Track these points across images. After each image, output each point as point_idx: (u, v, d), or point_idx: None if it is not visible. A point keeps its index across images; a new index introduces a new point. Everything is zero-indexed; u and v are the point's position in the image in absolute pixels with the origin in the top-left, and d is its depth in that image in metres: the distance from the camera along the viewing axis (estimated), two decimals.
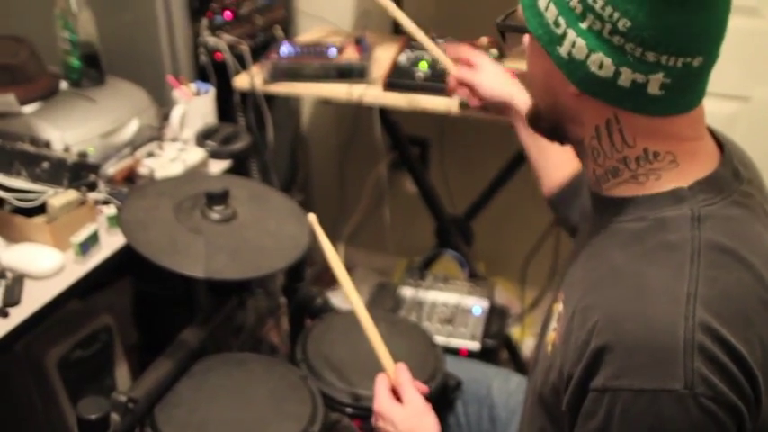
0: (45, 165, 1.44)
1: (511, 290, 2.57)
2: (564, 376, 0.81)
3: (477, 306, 2.08)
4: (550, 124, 0.92)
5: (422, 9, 2.18)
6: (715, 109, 2.14)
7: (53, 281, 1.34)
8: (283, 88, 1.90)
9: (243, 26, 2.08)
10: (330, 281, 2.61)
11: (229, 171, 1.75)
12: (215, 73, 1.95)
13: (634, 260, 0.79)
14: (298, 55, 1.91)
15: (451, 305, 2.09)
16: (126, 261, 1.42)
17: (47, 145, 1.50)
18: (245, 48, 1.97)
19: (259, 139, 2.02)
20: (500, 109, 1.42)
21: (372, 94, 1.83)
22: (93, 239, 1.40)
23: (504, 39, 0.99)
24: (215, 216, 1.33)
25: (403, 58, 1.88)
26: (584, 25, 0.77)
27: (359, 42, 1.94)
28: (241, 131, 1.80)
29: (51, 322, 1.41)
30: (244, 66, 1.96)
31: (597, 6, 0.76)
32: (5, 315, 1.25)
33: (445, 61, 1.54)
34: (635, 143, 0.82)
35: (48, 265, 1.34)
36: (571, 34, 0.78)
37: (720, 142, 0.89)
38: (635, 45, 0.75)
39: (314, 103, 2.61)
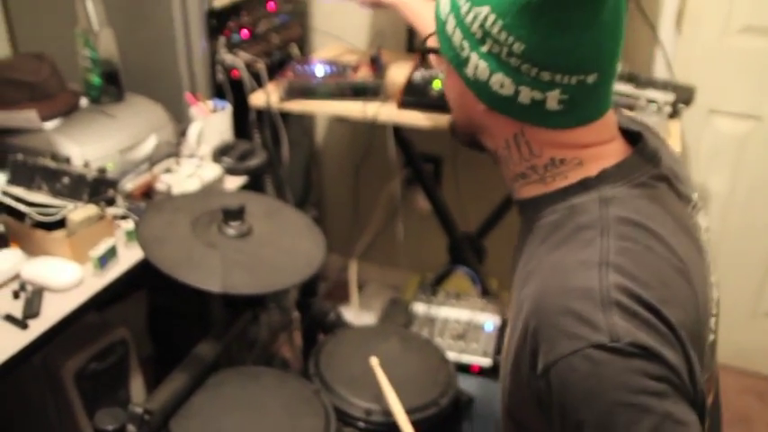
0: (65, 180, 1.47)
1: None
2: (520, 382, 0.84)
3: (490, 322, 2.09)
4: (467, 137, 0.98)
5: None
6: (727, 128, 2.19)
7: (72, 294, 1.36)
8: (298, 106, 1.93)
9: (259, 44, 2.11)
10: (342, 296, 2.64)
11: (245, 187, 1.78)
12: (231, 90, 1.99)
13: (553, 247, 0.84)
14: (313, 73, 1.94)
15: (463, 321, 2.10)
16: (142, 274, 1.45)
17: (67, 160, 1.53)
18: (261, 66, 2.00)
19: (274, 156, 2.04)
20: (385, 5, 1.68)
21: (387, 112, 1.85)
22: (111, 253, 1.42)
23: (424, 59, 1.05)
24: (231, 231, 1.35)
25: (417, 77, 1.90)
26: (484, 49, 0.83)
27: (374, 61, 1.97)
28: (257, 148, 1.83)
29: (68, 334, 1.43)
30: (260, 83, 1.99)
31: (494, 32, 0.81)
32: (25, 327, 1.27)
33: None
34: (542, 153, 0.88)
35: (67, 279, 1.37)
36: (474, 57, 0.84)
37: (638, 138, 0.93)
38: (530, 66, 0.81)
39: (328, 119, 2.64)
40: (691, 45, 2.16)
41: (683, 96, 1.87)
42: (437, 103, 1.81)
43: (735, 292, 2.37)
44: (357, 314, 2.59)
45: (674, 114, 1.83)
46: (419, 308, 2.15)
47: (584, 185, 0.86)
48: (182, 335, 2.00)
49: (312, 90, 1.90)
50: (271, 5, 2.15)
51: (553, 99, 0.83)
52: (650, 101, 1.81)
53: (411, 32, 2.26)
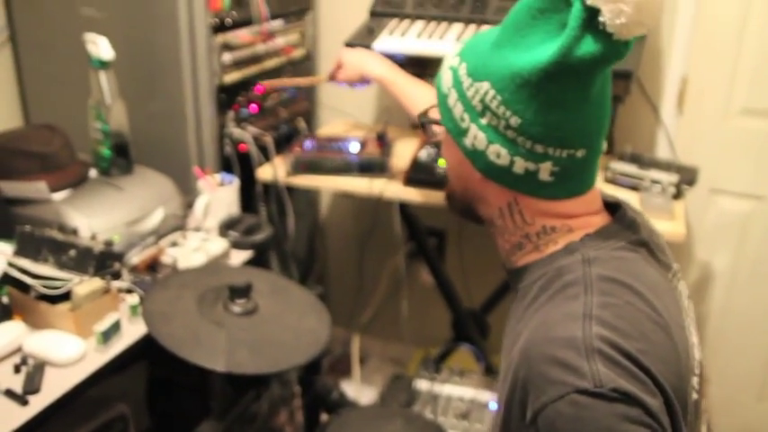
0: (72, 252, 1.46)
1: None
2: None
3: (494, 402, 2.06)
4: (463, 205, 1.02)
5: None
6: (730, 207, 2.20)
7: (73, 369, 1.34)
8: (305, 181, 1.94)
9: (267, 118, 2.14)
10: (344, 369, 2.60)
11: (250, 261, 1.77)
12: (238, 163, 2.00)
13: (541, 306, 0.88)
14: (320, 149, 1.96)
15: (467, 400, 2.07)
16: (144, 346, 1.43)
17: (74, 232, 1.53)
18: (268, 139, 2.02)
19: (280, 230, 2.05)
20: (366, 82, 1.79)
21: (393, 189, 1.86)
22: (115, 328, 1.41)
23: (425, 130, 1.15)
24: (237, 309, 1.34)
25: (423, 155, 1.93)
26: (483, 121, 0.89)
27: (380, 138, 1.99)
28: (263, 223, 1.83)
29: (67, 409, 1.41)
30: (267, 156, 2.01)
31: (493, 106, 0.88)
32: (25, 403, 1.25)
33: (318, 78, 2.07)
34: (534, 221, 0.94)
35: (69, 354, 1.35)
36: (473, 128, 0.90)
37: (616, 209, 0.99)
38: (525, 138, 0.87)
39: (333, 193, 2.66)
40: (692, 125, 2.19)
41: (687, 177, 1.89)
42: (443, 181, 1.82)
43: (740, 374, 2.35)
44: (359, 389, 2.55)
45: (678, 195, 1.84)
46: (422, 385, 2.12)
47: (569, 249, 0.92)
48: (182, 408, 1.97)
49: (319, 165, 1.92)
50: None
51: (545, 170, 0.89)
52: (654, 181, 1.82)
53: None
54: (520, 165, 0.89)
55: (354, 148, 1.96)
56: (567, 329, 0.81)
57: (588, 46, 0.81)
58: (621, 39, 0.81)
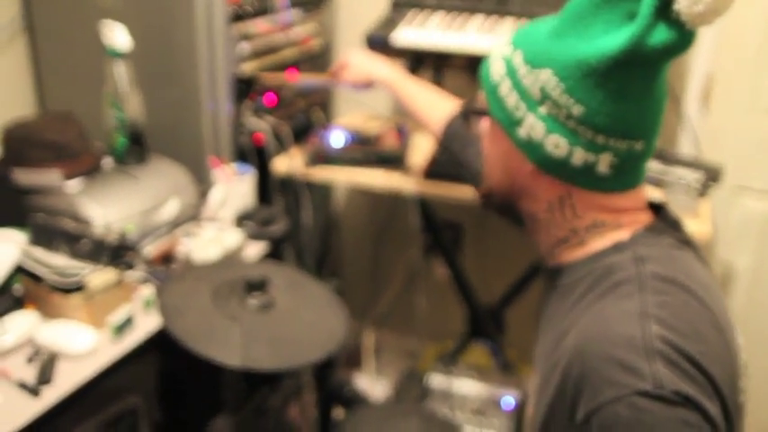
0: (86, 243, 1.44)
1: None
2: None
3: (509, 397, 2.03)
4: (504, 201, 1.00)
5: None
6: (754, 204, 2.15)
7: (86, 361, 1.33)
8: (322, 173, 1.91)
9: (284, 108, 2.12)
10: (357, 362, 2.58)
11: (266, 253, 1.75)
12: (254, 153, 1.98)
13: (591, 303, 0.86)
14: (338, 140, 1.93)
15: (483, 396, 2.04)
16: (156, 338, 1.41)
17: (88, 222, 1.52)
18: (285, 130, 2.00)
19: (295, 222, 2.02)
20: (370, 85, 1.72)
21: (412, 182, 1.83)
22: (128, 320, 1.39)
23: (467, 120, 1.12)
24: (253, 304, 1.32)
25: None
26: (542, 110, 0.87)
27: (399, 130, 1.96)
28: (279, 214, 1.80)
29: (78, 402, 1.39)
30: (283, 147, 1.98)
31: (555, 94, 0.85)
32: (36, 393, 1.24)
33: (324, 77, 1.91)
34: (584, 215, 0.91)
35: (82, 345, 1.33)
36: (530, 118, 0.88)
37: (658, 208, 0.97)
38: (586, 128, 0.85)
39: (349, 184, 2.63)
40: (717, 122, 2.15)
41: (712, 175, 1.84)
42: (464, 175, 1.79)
43: (762, 374, 2.30)
44: (372, 382, 2.53)
45: (703, 193, 1.80)
46: (437, 380, 2.09)
47: (618, 247, 0.89)
48: (193, 400, 1.96)
49: (336, 158, 1.89)
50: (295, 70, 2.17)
51: (604, 162, 0.87)
52: (679, 179, 1.78)
53: None
54: (579, 156, 0.86)
55: (373, 140, 1.92)
56: (624, 328, 0.79)
57: (661, 35, 0.80)
58: (693, 28, 0.80)
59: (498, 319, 2.34)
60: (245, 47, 1.92)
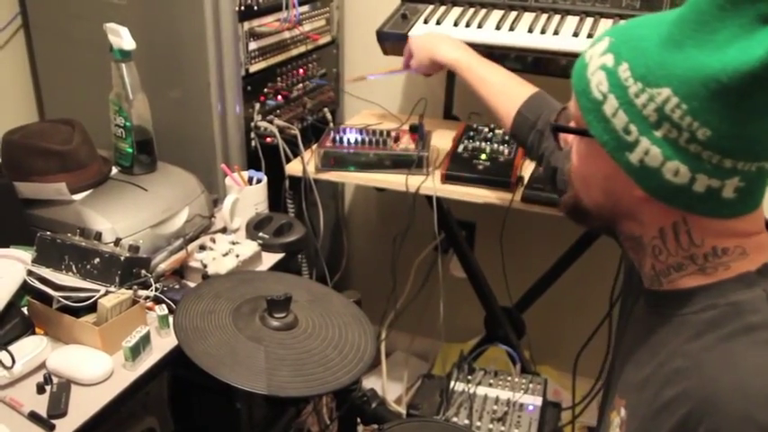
0: (96, 261, 1.37)
1: (559, 380, 2.46)
2: None
3: (531, 404, 1.97)
4: (602, 222, 0.90)
5: None
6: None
7: (101, 388, 1.25)
8: (337, 177, 1.84)
9: (293, 109, 2.04)
10: (372, 364, 2.52)
11: (281, 261, 1.67)
12: (263, 157, 1.90)
13: (715, 345, 0.76)
14: (352, 143, 1.85)
15: (503, 402, 1.98)
16: (171, 356, 1.35)
17: (98, 237, 1.44)
18: (295, 132, 1.92)
19: (309, 227, 1.95)
20: (439, 68, 1.64)
21: (429, 186, 1.76)
22: (144, 342, 1.32)
23: (555, 139, 0.96)
24: (275, 323, 1.25)
25: (461, 149, 1.82)
26: (658, 134, 0.76)
27: (414, 130, 1.88)
28: (294, 222, 1.73)
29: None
30: (293, 149, 1.91)
31: (675, 116, 0.75)
32: (52, 428, 1.16)
33: (395, 69, 1.85)
34: (703, 242, 0.81)
35: (96, 372, 1.26)
36: (645, 142, 0.77)
37: None
38: (713, 153, 0.75)
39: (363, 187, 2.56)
40: None
41: None
42: (484, 179, 1.73)
43: None
44: (385, 383, 2.48)
45: None
46: (456, 387, 2.03)
47: (746, 281, 0.80)
48: (206, 411, 1.89)
49: (351, 160, 1.81)
50: (304, 69, 2.09)
51: (730, 187, 0.77)
52: None
53: (450, 98, 2.18)
54: (702, 182, 0.76)
55: (388, 141, 1.85)
56: (765, 384, 0.70)
57: None
58: None
59: (517, 322, 2.28)
60: (253, 45, 1.84)
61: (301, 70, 2.08)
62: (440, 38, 1.62)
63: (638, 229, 0.86)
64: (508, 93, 1.42)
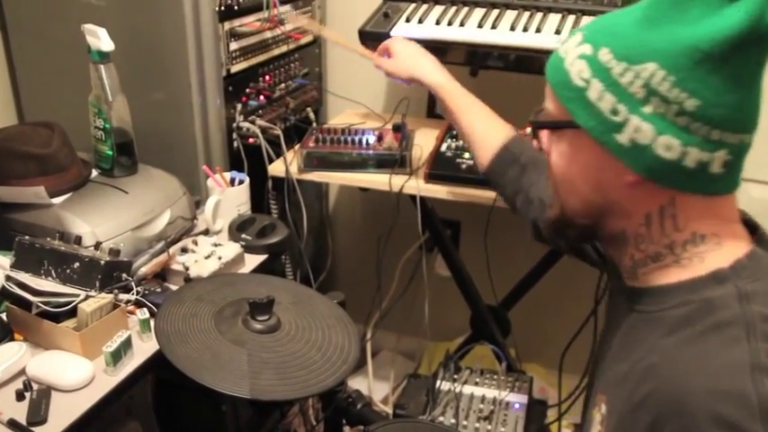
0: (75, 265, 1.35)
1: (545, 377, 2.46)
2: None
3: (517, 402, 1.97)
4: (586, 226, 0.90)
5: None
6: (760, 195, 2.10)
7: (82, 394, 1.24)
8: (320, 177, 1.83)
9: (275, 109, 2.03)
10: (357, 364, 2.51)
11: (264, 263, 1.66)
12: (246, 157, 1.89)
13: (688, 343, 0.77)
14: (335, 143, 1.84)
15: (489, 401, 1.98)
16: (153, 360, 1.33)
17: (77, 241, 1.42)
18: (277, 132, 1.91)
19: (293, 228, 1.93)
20: (411, 82, 1.57)
21: (413, 185, 1.75)
22: (126, 346, 1.30)
23: (535, 137, 0.96)
24: (258, 326, 1.24)
25: (445, 148, 1.82)
26: (647, 109, 0.77)
27: (397, 129, 1.87)
28: (277, 223, 1.72)
29: None
30: (276, 149, 1.90)
31: (663, 89, 0.76)
32: None
33: (365, 53, 1.73)
34: (685, 227, 0.83)
35: (77, 378, 1.24)
36: (634, 120, 0.78)
37: (750, 223, 0.89)
38: (701, 124, 0.76)
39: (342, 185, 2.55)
40: None
41: None
42: (468, 178, 1.72)
43: None
44: (372, 383, 2.47)
45: None
46: (442, 385, 2.03)
47: (718, 278, 0.80)
48: (191, 413, 1.88)
49: (334, 161, 1.81)
50: (286, 69, 2.08)
51: (718, 161, 0.78)
52: None
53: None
54: (693, 156, 0.78)
55: (371, 141, 1.84)
56: (733, 382, 0.70)
57: None
58: None
59: (502, 320, 2.28)
60: (234, 45, 1.82)
61: (283, 70, 2.07)
62: (424, 56, 1.56)
63: (625, 221, 0.86)
64: (491, 129, 1.41)
